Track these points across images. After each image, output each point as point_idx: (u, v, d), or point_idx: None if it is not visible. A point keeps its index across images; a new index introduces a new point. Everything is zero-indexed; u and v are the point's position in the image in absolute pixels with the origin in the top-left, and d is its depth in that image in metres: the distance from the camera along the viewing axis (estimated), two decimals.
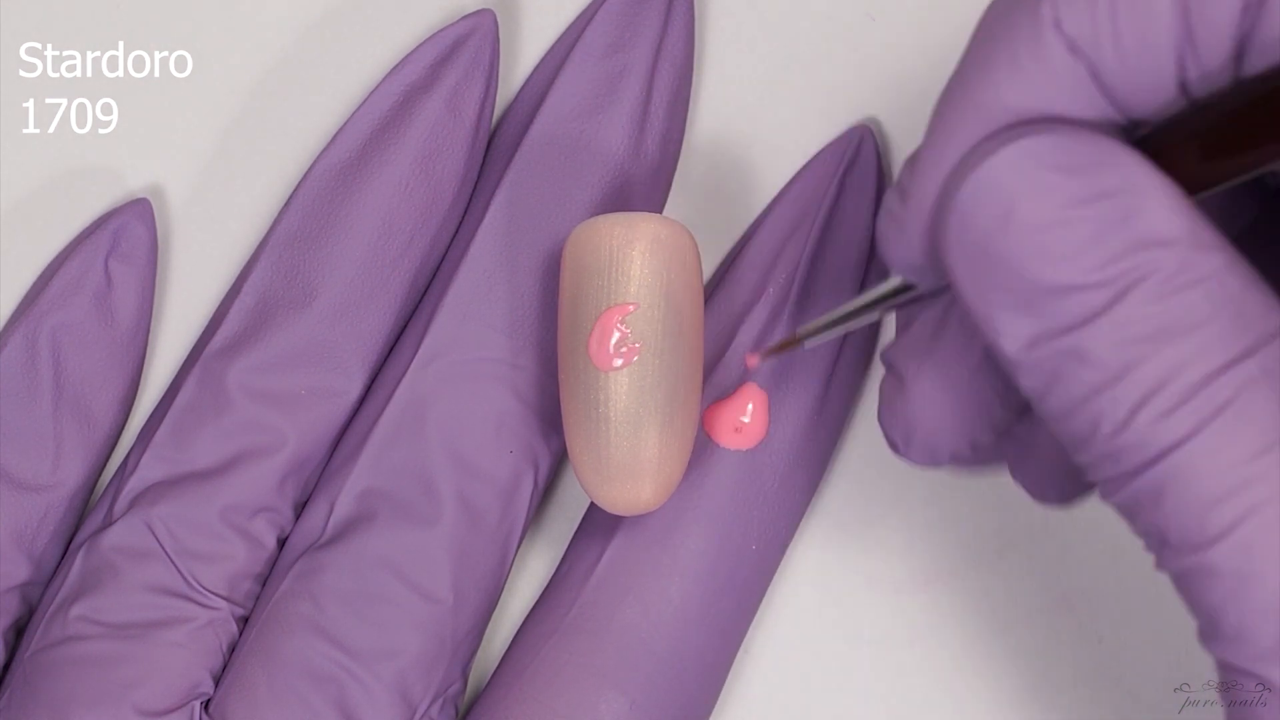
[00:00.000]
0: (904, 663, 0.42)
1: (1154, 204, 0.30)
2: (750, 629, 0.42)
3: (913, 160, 0.32)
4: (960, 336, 0.34)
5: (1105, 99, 0.30)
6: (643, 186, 0.41)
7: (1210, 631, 0.29)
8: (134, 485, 0.40)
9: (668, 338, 0.38)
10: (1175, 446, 0.29)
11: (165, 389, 0.42)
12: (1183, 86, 0.30)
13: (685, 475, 0.39)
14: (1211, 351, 0.29)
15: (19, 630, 0.40)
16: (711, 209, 0.43)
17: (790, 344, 0.38)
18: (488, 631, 0.41)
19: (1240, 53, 0.30)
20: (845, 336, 0.41)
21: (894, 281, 0.34)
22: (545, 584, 0.41)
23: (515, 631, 0.41)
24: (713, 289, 0.42)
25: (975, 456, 0.35)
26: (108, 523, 0.40)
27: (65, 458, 0.40)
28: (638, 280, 0.38)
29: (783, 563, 0.42)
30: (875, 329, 0.43)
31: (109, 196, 0.43)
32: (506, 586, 0.41)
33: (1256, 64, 0.29)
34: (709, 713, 0.41)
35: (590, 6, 0.43)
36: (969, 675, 0.42)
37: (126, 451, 0.41)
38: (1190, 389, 0.29)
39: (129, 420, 0.42)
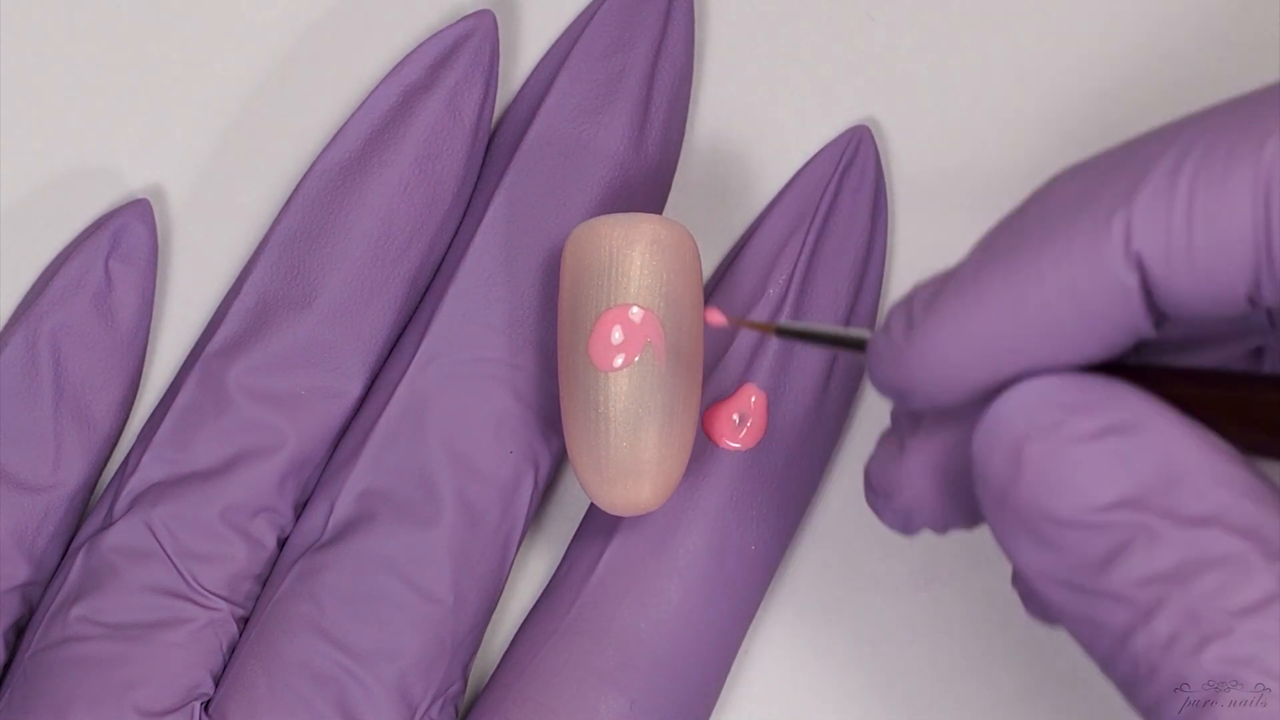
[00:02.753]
0: (904, 663, 0.42)
1: (1164, 439, 0.29)
2: (750, 629, 0.42)
3: (933, 297, 0.31)
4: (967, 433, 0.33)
5: (1146, 309, 0.29)
6: (643, 187, 0.41)
7: None
8: (134, 485, 0.40)
9: (668, 338, 0.38)
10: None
11: (165, 389, 0.42)
12: (1251, 301, 0.29)
13: (685, 475, 0.39)
14: (1240, 584, 0.28)
15: (19, 630, 0.40)
16: (711, 209, 0.43)
17: (762, 328, 0.37)
18: (488, 631, 0.41)
19: None
20: (850, 317, 0.42)
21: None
22: (545, 584, 0.41)
23: (515, 631, 0.41)
24: (712, 289, 0.42)
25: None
26: (108, 523, 0.40)
27: (65, 458, 0.40)
28: (638, 281, 0.38)
29: (783, 563, 0.42)
30: None
31: (109, 196, 0.43)
32: (506, 586, 0.41)
33: None
34: (709, 713, 0.41)
35: (590, 6, 0.43)
36: (969, 675, 0.42)
37: (127, 452, 0.41)
38: (1225, 623, 0.28)
39: (129, 420, 0.42)
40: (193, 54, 0.43)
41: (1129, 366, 0.31)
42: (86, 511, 0.41)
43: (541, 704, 0.39)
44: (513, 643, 0.41)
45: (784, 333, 0.35)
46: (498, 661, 0.41)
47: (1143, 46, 0.43)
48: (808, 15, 0.44)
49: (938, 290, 0.31)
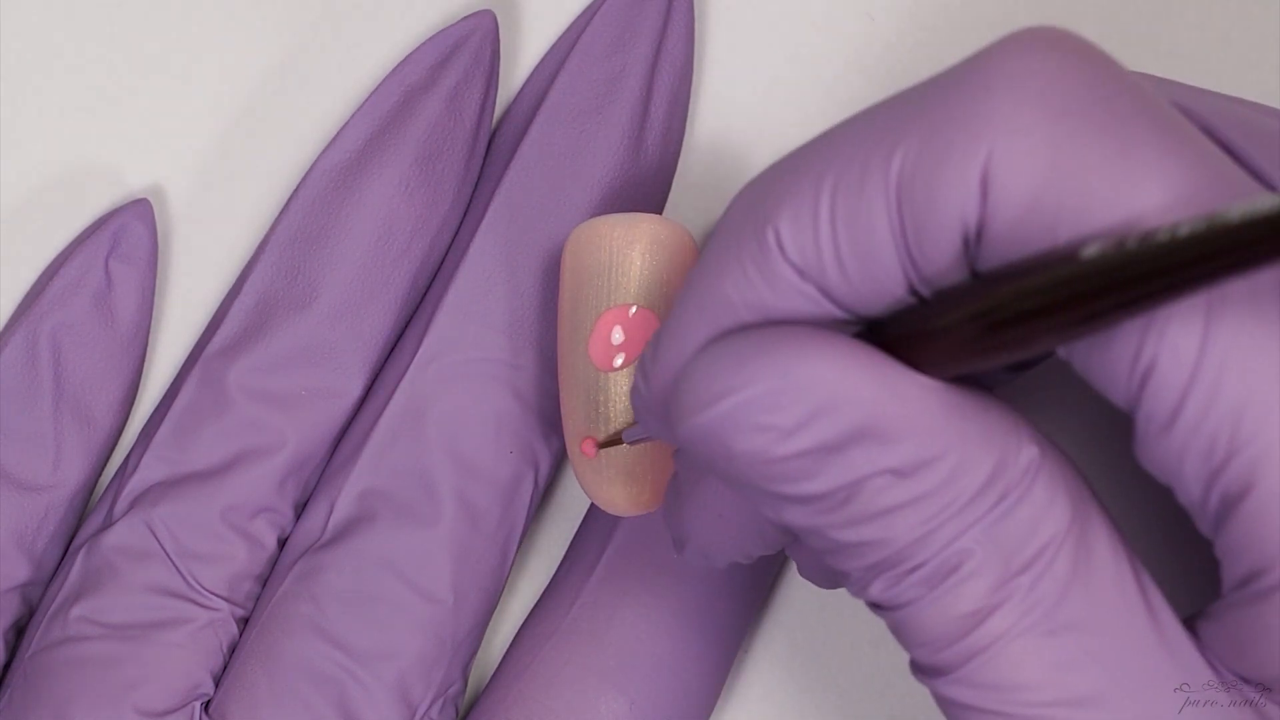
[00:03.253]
0: (903, 663, 0.42)
1: (864, 408, 0.30)
2: (750, 629, 0.42)
3: (655, 342, 0.32)
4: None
5: (834, 305, 0.30)
6: (643, 186, 0.41)
7: None
8: (134, 486, 0.40)
9: None
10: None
11: (165, 389, 0.42)
12: (912, 292, 0.30)
13: None
14: (945, 524, 0.30)
15: (19, 630, 0.40)
16: (711, 209, 0.43)
17: (613, 441, 0.38)
18: (488, 631, 0.41)
19: (969, 266, 0.30)
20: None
21: None
22: (545, 584, 0.41)
23: (515, 632, 0.41)
24: None
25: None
26: (108, 523, 0.40)
27: (65, 458, 0.40)
28: (638, 281, 0.38)
29: (783, 563, 0.42)
30: None
31: (109, 196, 0.43)
32: (506, 587, 0.41)
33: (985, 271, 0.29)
34: (709, 713, 0.41)
35: (590, 6, 0.43)
36: None
37: (127, 452, 0.41)
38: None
39: (129, 420, 0.42)
40: (193, 54, 0.43)
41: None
42: (86, 511, 0.41)
43: (542, 704, 0.39)
44: (513, 643, 0.41)
45: (631, 437, 0.37)
46: (498, 661, 0.41)
47: (1143, 46, 0.44)
48: (808, 15, 0.44)
49: (656, 337, 0.32)
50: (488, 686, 0.41)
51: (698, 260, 0.32)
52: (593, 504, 0.41)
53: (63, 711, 0.38)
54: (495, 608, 0.40)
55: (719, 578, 0.40)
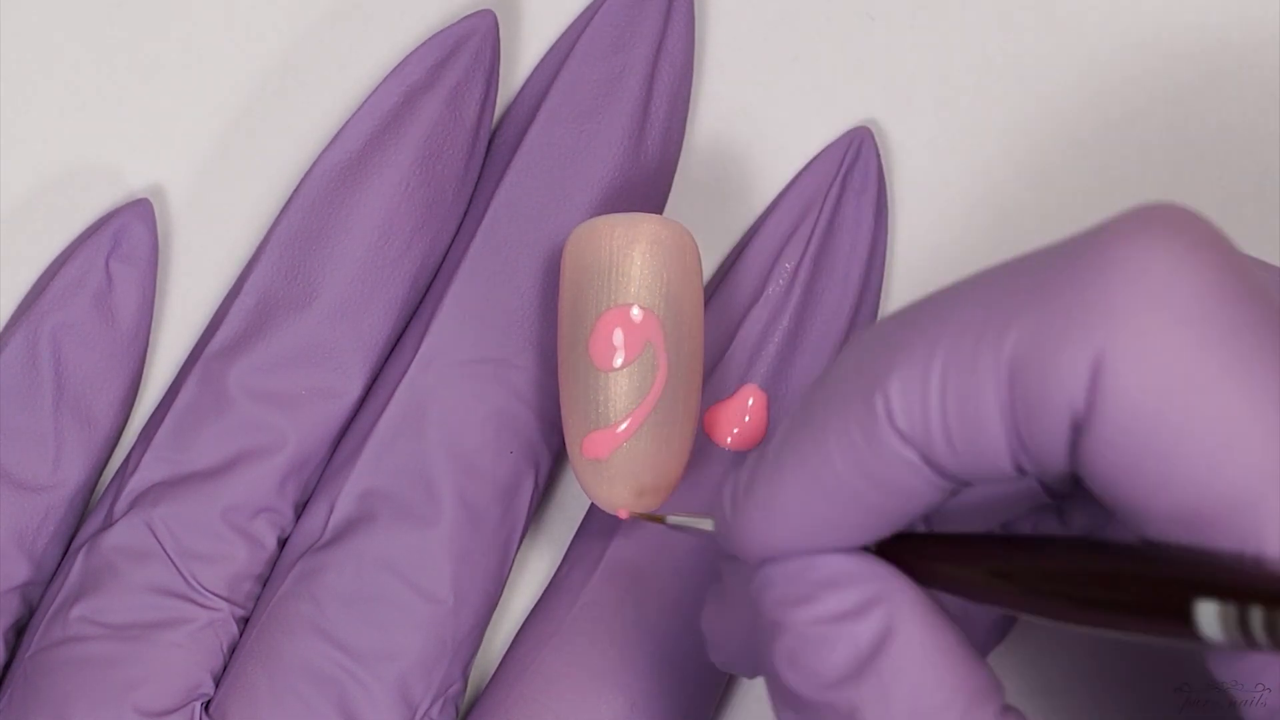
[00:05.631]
0: None
1: (894, 616, 0.31)
2: None
3: (750, 477, 0.32)
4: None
5: (938, 474, 0.30)
6: (643, 186, 0.41)
7: None
8: (135, 485, 0.40)
9: (668, 339, 0.38)
10: None
11: (166, 389, 0.42)
12: (1017, 469, 0.30)
13: (685, 475, 0.39)
14: None
15: (20, 630, 0.40)
16: (711, 209, 0.43)
17: (655, 519, 0.38)
18: (488, 631, 0.41)
19: (1074, 452, 0.29)
20: (847, 331, 0.42)
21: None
22: (545, 584, 0.41)
23: (516, 632, 0.41)
24: (713, 289, 0.42)
25: (755, 676, 0.37)
26: (108, 523, 0.40)
27: (66, 458, 0.40)
28: (638, 281, 0.38)
29: None
30: None
31: (109, 196, 0.43)
32: (507, 587, 0.41)
33: (1095, 478, 0.29)
34: (709, 713, 0.41)
35: (590, 7, 0.43)
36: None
37: (127, 452, 0.41)
38: None
39: (130, 420, 0.42)
40: (193, 54, 0.43)
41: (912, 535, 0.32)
42: (87, 511, 0.41)
43: (542, 704, 0.39)
44: (513, 643, 0.41)
45: (675, 523, 0.37)
46: (498, 661, 0.41)
47: (1143, 46, 0.44)
48: (808, 15, 0.44)
49: (753, 471, 0.32)
50: (488, 686, 0.41)
51: (803, 407, 0.32)
52: (593, 504, 0.41)
53: (63, 711, 0.38)
54: (495, 608, 0.40)
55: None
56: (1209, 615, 0.27)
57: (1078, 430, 0.29)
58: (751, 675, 0.36)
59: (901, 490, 0.30)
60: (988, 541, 0.31)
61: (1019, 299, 0.29)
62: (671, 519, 0.36)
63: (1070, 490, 0.33)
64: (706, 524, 0.35)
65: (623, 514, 0.38)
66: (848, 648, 0.31)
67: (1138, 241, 0.29)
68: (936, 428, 0.30)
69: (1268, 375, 0.28)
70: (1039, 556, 0.30)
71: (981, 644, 0.36)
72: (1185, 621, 0.28)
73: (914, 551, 0.31)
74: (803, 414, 0.31)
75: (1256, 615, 0.27)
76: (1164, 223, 0.29)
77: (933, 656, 0.31)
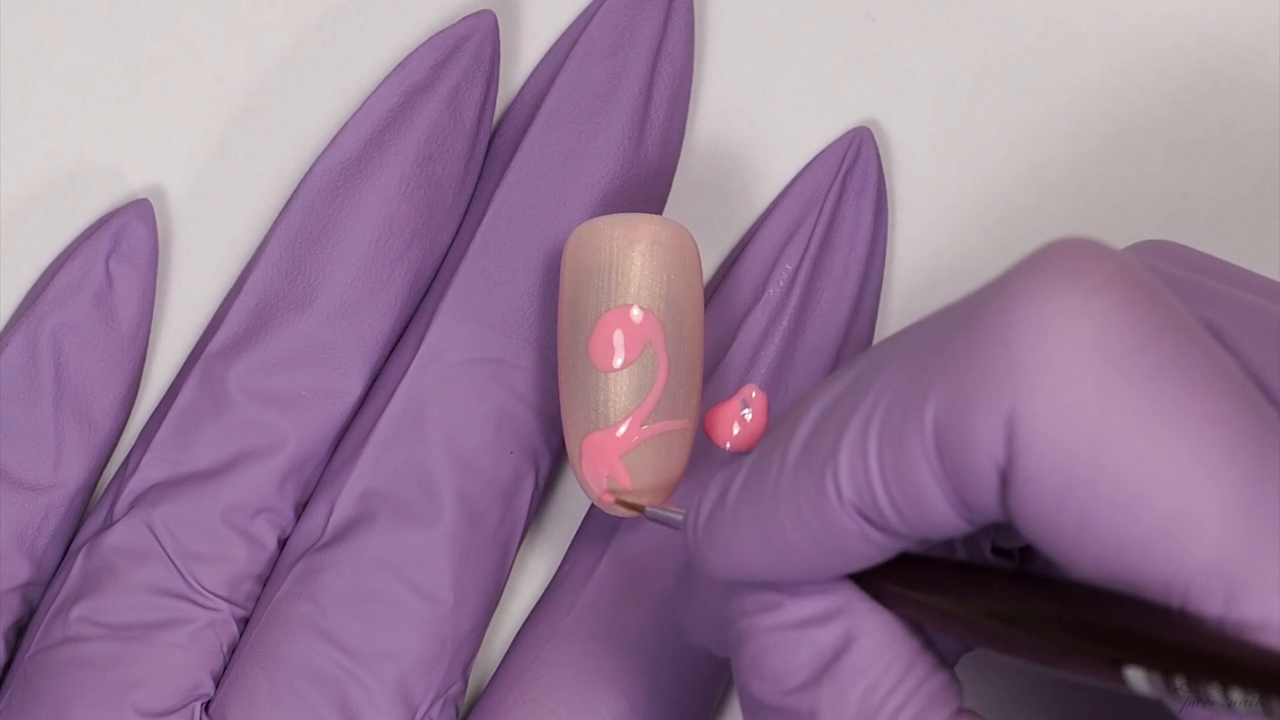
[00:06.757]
0: None
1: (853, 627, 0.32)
2: None
3: (710, 514, 0.33)
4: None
5: (890, 538, 0.31)
6: (643, 187, 0.41)
7: None
8: (135, 486, 0.40)
9: (668, 339, 0.38)
10: None
11: (166, 389, 0.42)
12: (970, 524, 0.30)
13: (685, 476, 0.39)
14: None
15: (20, 631, 0.40)
16: (711, 209, 0.43)
17: (635, 507, 0.38)
18: (488, 632, 0.41)
19: (1004, 504, 0.30)
20: (847, 332, 0.42)
21: None
22: (545, 584, 0.41)
23: (516, 632, 0.41)
24: (713, 290, 0.42)
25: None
26: (108, 523, 0.40)
27: (66, 458, 0.40)
28: (638, 281, 0.38)
29: None
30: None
31: (109, 196, 0.43)
32: (507, 587, 0.41)
33: (1025, 525, 0.29)
34: (710, 713, 0.41)
35: (590, 6, 0.43)
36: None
37: (127, 452, 0.41)
38: None
39: (130, 421, 0.42)
40: (193, 54, 0.43)
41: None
42: (87, 512, 0.41)
43: (542, 704, 0.39)
44: (514, 643, 0.41)
45: (653, 515, 0.38)
46: (498, 662, 0.41)
47: (1143, 46, 0.44)
48: (808, 15, 0.44)
49: (711, 513, 0.33)
50: (488, 687, 0.41)
51: (759, 460, 0.32)
52: (593, 504, 0.41)
53: (63, 711, 0.38)
54: (495, 608, 0.40)
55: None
56: (1138, 677, 0.28)
57: (1005, 484, 0.29)
58: (725, 655, 0.36)
59: (854, 553, 0.31)
60: (939, 568, 0.32)
61: (934, 364, 0.29)
62: (650, 510, 0.37)
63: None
64: (680, 517, 0.36)
65: (606, 498, 0.38)
66: (809, 652, 0.32)
67: (1036, 296, 0.28)
68: (883, 501, 0.30)
69: (1180, 415, 0.28)
70: (981, 592, 0.31)
71: (951, 651, 0.36)
72: (1118, 677, 0.28)
73: (874, 575, 0.32)
74: (757, 473, 0.32)
75: (1181, 682, 0.27)
76: (1062, 271, 0.29)
77: (890, 661, 0.31)
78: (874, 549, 0.31)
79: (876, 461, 0.30)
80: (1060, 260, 0.29)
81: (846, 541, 0.31)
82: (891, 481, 0.30)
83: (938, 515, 0.30)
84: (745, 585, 0.33)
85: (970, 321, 0.29)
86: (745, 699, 0.33)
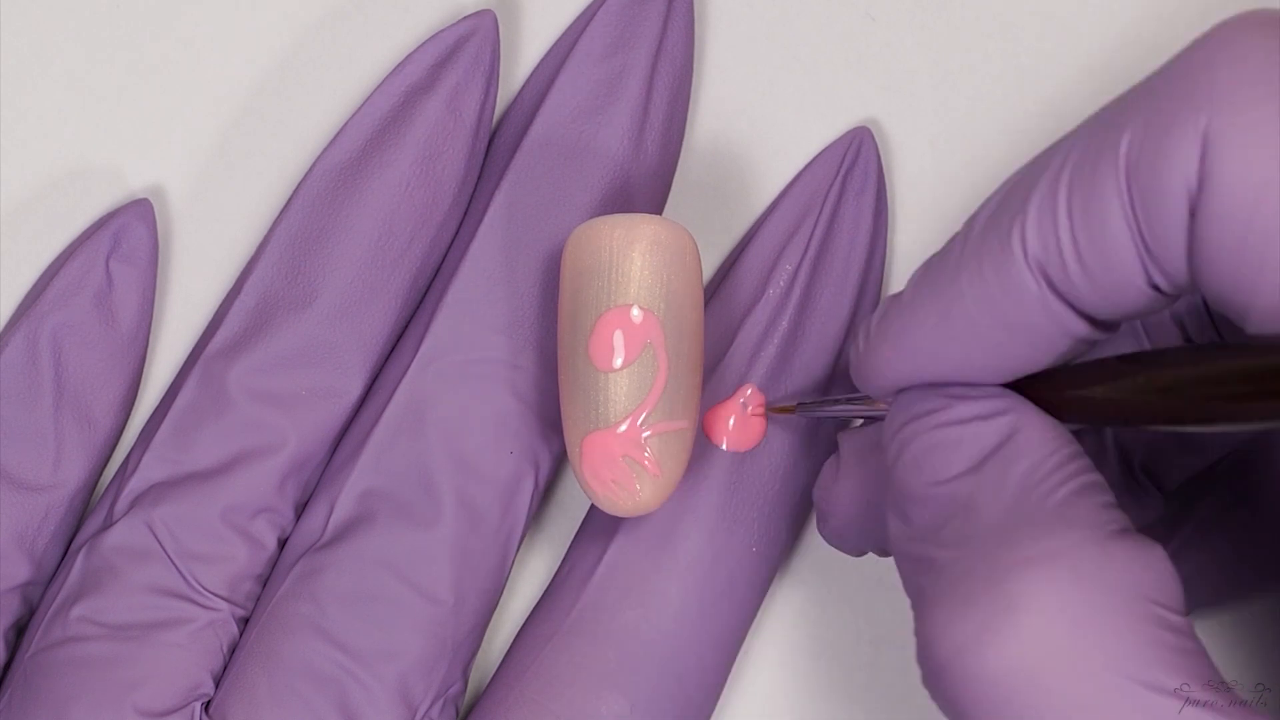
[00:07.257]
0: (904, 663, 0.42)
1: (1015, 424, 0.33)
2: (751, 630, 0.42)
3: (881, 314, 0.34)
4: (882, 469, 0.36)
5: (1067, 307, 0.32)
6: (643, 187, 0.41)
7: None
8: (135, 486, 0.40)
9: (668, 339, 0.38)
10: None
11: (166, 389, 0.42)
12: (1150, 285, 0.31)
13: (685, 476, 0.39)
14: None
15: (20, 630, 0.40)
16: (711, 209, 0.43)
17: (786, 409, 0.40)
18: (488, 632, 0.41)
19: (1191, 242, 0.31)
20: (847, 332, 0.42)
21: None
22: (545, 585, 0.41)
23: (516, 632, 0.41)
24: (713, 290, 0.42)
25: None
26: (108, 523, 0.40)
27: (66, 458, 0.40)
28: (638, 281, 0.38)
29: (782, 563, 0.42)
30: None
31: (109, 196, 0.43)
32: (507, 587, 0.41)
33: (1207, 266, 0.30)
34: (710, 714, 0.41)
35: (590, 6, 0.43)
36: None
37: (127, 452, 0.41)
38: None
39: (130, 421, 0.42)
40: (193, 54, 0.43)
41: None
42: (87, 511, 0.41)
43: (542, 705, 0.39)
44: (514, 644, 0.41)
45: (806, 409, 0.39)
46: (498, 662, 0.41)
47: (1143, 46, 0.44)
48: (808, 15, 0.44)
49: (887, 306, 0.34)
50: (488, 687, 0.41)
51: (940, 251, 0.33)
52: (593, 504, 0.41)
53: (63, 711, 0.38)
54: (495, 608, 0.40)
55: (720, 578, 0.40)
56: None
57: (1193, 215, 0.30)
58: (856, 551, 0.38)
59: (1030, 332, 0.32)
60: (1106, 362, 0.32)
61: (1131, 107, 0.31)
62: (800, 407, 0.39)
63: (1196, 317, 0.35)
64: (838, 409, 0.38)
65: (758, 409, 0.40)
66: (974, 446, 0.33)
67: (1238, 32, 0.30)
68: (1066, 245, 0.31)
69: None
70: (1153, 365, 0.31)
71: None
72: None
73: (1039, 383, 0.33)
74: (939, 254, 0.33)
75: None
76: (1263, 19, 0.30)
77: (1053, 449, 0.32)
78: (1049, 326, 0.31)
79: (1065, 204, 0.31)
80: (1254, 15, 0.30)
81: (1025, 313, 0.32)
82: (1079, 226, 0.31)
83: (1122, 269, 0.30)
84: (913, 392, 0.33)
85: (1171, 64, 0.30)
86: (896, 497, 0.33)
